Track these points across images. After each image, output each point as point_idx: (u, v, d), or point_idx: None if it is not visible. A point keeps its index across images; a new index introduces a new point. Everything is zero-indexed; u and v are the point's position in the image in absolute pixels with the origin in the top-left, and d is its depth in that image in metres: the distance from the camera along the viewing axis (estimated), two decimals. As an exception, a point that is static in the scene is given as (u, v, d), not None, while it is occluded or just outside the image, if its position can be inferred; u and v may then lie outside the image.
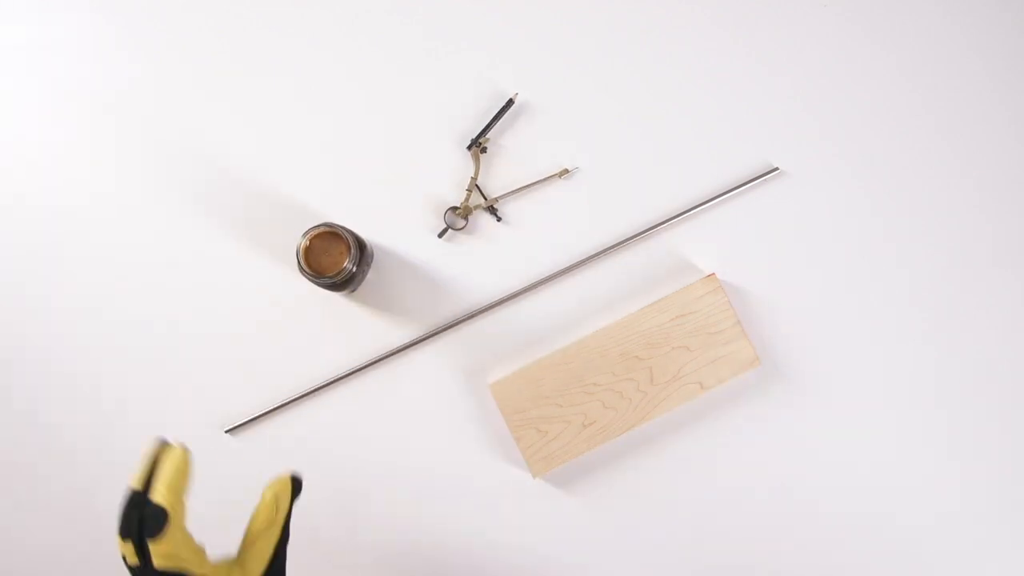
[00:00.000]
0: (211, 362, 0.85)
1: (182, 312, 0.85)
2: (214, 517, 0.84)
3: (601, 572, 0.85)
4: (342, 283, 0.79)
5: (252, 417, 0.84)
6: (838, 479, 0.85)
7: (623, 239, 0.85)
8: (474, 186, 0.85)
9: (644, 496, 0.85)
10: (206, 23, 0.85)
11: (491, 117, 0.85)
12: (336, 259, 0.79)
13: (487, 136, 0.85)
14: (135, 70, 0.85)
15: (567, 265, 0.85)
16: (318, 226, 0.78)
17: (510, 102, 0.85)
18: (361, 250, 0.80)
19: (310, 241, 0.78)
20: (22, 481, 0.85)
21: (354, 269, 0.78)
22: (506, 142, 0.86)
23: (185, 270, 0.85)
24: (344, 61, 0.85)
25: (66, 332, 0.85)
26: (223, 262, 0.85)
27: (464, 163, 0.85)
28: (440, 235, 0.85)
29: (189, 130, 0.85)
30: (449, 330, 0.85)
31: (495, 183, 0.86)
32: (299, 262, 0.78)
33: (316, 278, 0.78)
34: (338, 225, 0.78)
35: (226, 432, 0.84)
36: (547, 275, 0.85)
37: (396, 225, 0.85)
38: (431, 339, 0.85)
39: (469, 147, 0.85)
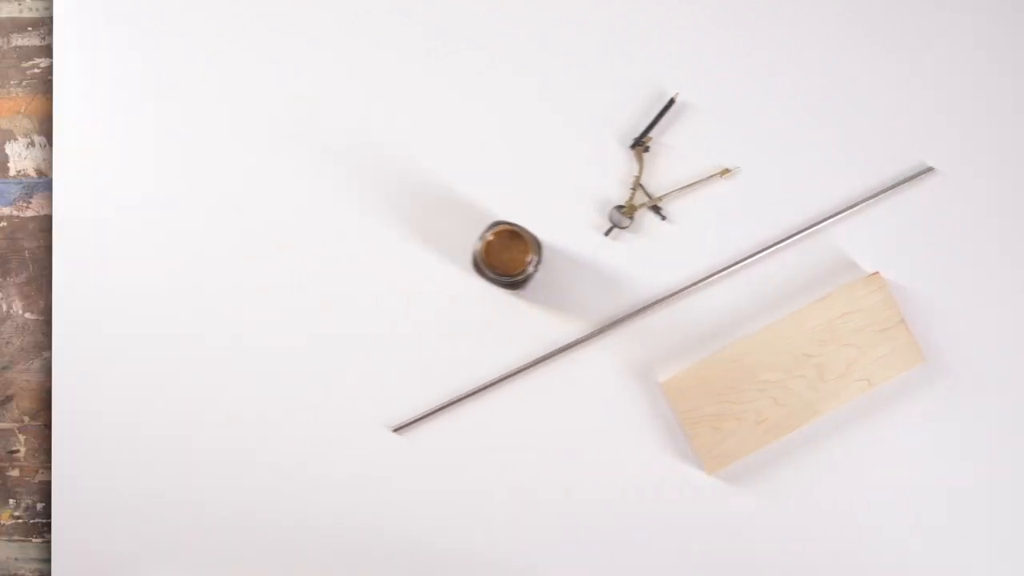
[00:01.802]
0: (378, 361, 0.84)
1: (349, 311, 0.84)
2: (381, 515, 0.84)
3: (774, 568, 0.85)
4: (520, 282, 0.79)
5: (419, 416, 0.83)
6: (1008, 483, 0.85)
7: (785, 236, 0.85)
8: (638, 185, 0.85)
9: (814, 492, 0.85)
10: (379, 24, 0.85)
11: (653, 116, 0.86)
12: (516, 257, 0.78)
13: (650, 135, 0.86)
14: (308, 68, 0.85)
15: (731, 263, 0.85)
16: (498, 224, 0.78)
17: (671, 101, 0.85)
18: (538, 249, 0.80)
19: (491, 239, 0.78)
20: (189, 480, 0.84)
21: (534, 269, 0.78)
22: (668, 141, 0.86)
23: (353, 269, 0.85)
24: (510, 62, 0.86)
25: (236, 331, 0.84)
26: (389, 261, 0.85)
27: (627, 162, 0.86)
28: (606, 233, 0.85)
29: (361, 130, 0.86)
30: (616, 327, 0.85)
31: (658, 181, 0.86)
32: (479, 260, 0.78)
33: (498, 276, 0.77)
34: (518, 224, 0.78)
35: (393, 431, 0.84)
36: (711, 273, 0.85)
37: (561, 223, 0.85)
38: (598, 336, 0.85)
39: (632, 146, 0.86)
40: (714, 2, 0.86)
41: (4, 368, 0.88)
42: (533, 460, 0.84)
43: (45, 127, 0.89)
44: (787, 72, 0.87)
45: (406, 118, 0.86)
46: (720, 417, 0.82)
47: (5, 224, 0.89)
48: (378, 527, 0.84)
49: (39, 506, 0.88)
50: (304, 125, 0.86)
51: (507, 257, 0.79)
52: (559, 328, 0.85)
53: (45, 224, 0.89)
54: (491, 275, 0.78)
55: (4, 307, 0.88)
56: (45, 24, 0.90)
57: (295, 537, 0.84)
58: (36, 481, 0.88)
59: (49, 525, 0.88)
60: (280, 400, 0.84)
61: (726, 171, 0.86)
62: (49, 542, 0.88)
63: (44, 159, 0.89)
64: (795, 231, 0.86)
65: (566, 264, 0.85)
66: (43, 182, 0.89)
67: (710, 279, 0.85)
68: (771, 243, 0.86)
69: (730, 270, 0.85)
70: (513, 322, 0.85)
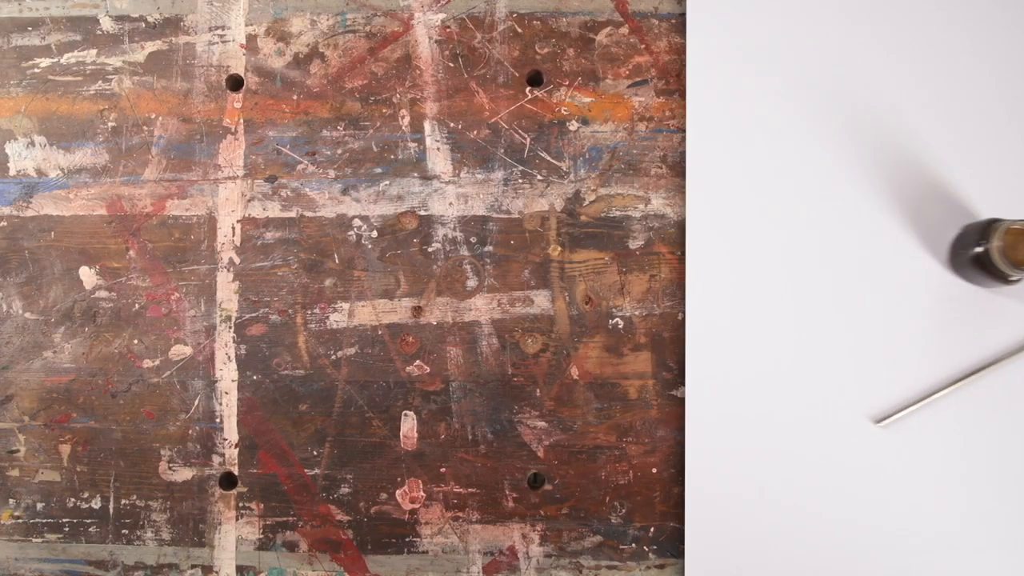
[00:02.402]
0: (860, 352, 0.86)
1: (833, 302, 0.86)
2: (860, 507, 0.86)
3: None
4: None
5: (904, 408, 0.86)
6: None
7: None
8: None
9: None
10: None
11: None
12: (1024, 254, 0.81)
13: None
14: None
15: None
16: (1009, 222, 0.81)
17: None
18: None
19: (1016, 230, 0.81)
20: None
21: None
22: None
23: (839, 257, 0.87)
24: (974, 62, 0.89)
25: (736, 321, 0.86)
26: (872, 252, 0.87)
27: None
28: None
29: (855, 128, 0.88)
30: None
31: None
32: (997, 257, 0.80)
33: (1018, 273, 0.80)
34: (1027, 221, 0.81)
35: (877, 424, 0.86)
36: None
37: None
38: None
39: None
40: None
41: (4, 368, 0.88)
42: (1013, 453, 0.87)
43: (45, 127, 0.89)
44: None
45: (875, 115, 0.88)
46: None
47: (5, 224, 0.89)
48: (860, 521, 0.86)
49: (39, 506, 0.88)
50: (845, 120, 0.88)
51: (1015, 255, 0.82)
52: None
53: (45, 224, 0.89)
54: (1008, 272, 0.81)
55: (4, 307, 0.89)
56: (45, 24, 0.90)
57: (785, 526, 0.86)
58: (36, 481, 0.88)
59: (49, 525, 0.88)
60: (759, 391, 0.87)
61: None
62: (50, 542, 0.88)
63: (44, 159, 0.89)
64: None
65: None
66: (43, 182, 0.89)
67: None
68: None
69: None
70: (985, 316, 0.88)
